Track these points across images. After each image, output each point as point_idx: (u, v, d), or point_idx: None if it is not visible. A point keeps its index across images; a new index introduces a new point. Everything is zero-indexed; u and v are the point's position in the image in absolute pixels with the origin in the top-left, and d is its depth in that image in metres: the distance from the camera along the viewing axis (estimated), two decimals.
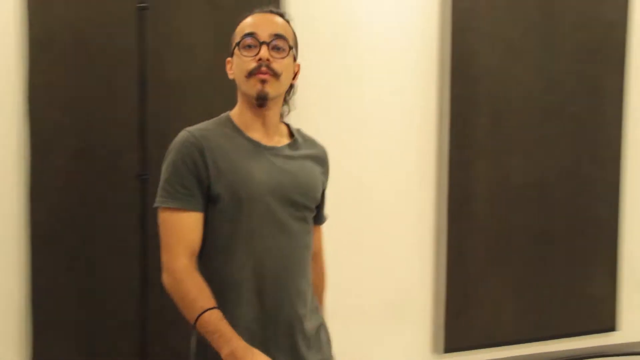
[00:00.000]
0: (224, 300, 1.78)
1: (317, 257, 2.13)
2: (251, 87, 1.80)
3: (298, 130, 2.01)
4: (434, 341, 3.91)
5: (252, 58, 1.80)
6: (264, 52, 1.79)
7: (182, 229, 1.78)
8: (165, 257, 1.79)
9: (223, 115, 1.94)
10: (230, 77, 1.90)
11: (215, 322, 1.70)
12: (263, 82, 1.79)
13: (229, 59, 1.90)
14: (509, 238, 3.96)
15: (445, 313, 3.85)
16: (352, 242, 3.67)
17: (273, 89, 1.82)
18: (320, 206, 2.05)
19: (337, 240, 3.58)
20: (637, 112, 4.19)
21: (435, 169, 3.84)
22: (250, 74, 1.80)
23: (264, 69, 1.79)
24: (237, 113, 1.91)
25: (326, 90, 3.57)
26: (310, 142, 2.03)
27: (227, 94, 2.10)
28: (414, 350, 3.89)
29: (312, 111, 3.38)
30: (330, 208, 2.35)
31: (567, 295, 4.06)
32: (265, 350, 1.75)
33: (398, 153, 3.77)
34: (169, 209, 1.79)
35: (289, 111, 2.03)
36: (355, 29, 3.61)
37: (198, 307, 1.71)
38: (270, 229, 1.82)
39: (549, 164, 3.96)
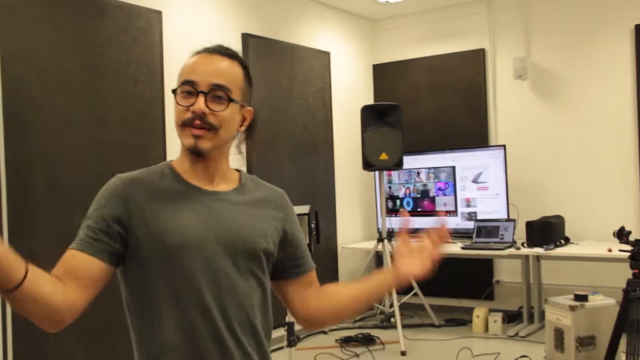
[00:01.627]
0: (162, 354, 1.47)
1: (324, 289, 1.73)
2: (185, 139, 1.51)
3: (252, 178, 1.67)
4: None
5: (186, 108, 1.48)
6: (199, 104, 1.47)
7: (70, 262, 1.43)
8: None
9: (163, 163, 1.61)
10: None
11: None
12: (197, 137, 1.48)
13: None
14: None
15: None
16: None
17: (209, 144, 1.50)
18: (299, 255, 1.68)
19: None
20: None
21: None
22: (184, 124, 1.49)
23: (197, 122, 1.47)
24: (179, 158, 1.59)
25: None
26: (263, 186, 1.68)
27: None
28: None
29: None
30: None
31: None
32: None
33: None
34: (71, 249, 1.46)
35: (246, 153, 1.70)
36: None
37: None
38: (206, 283, 1.47)
39: None
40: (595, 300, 4.04)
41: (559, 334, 4.02)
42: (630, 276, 3.73)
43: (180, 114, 1.49)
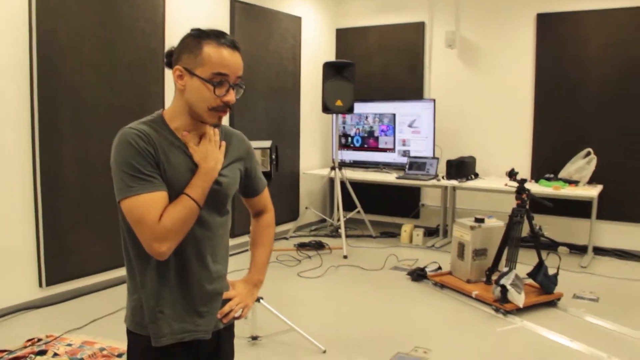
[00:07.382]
0: (151, 277, 1.51)
1: (262, 214, 1.83)
2: (212, 119, 1.51)
3: (221, 129, 1.65)
4: (39, 278, 3.83)
5: (218, 98, 1.48)
6: (232, 97, 1.50)
7: (152, 201, 1.41)
8: (146, 232, 1.41)
9: (156, 114, 1.56)
10: (180, 88, 1.51)
11: (194, 188, 1.47)
12: (220, 117, 1.52)
13: (180, 68, 1.49)
14: (89, 201, 4.06)
15: (45, 256, 3.81)
16: None
17: (222, 119, 1.56)
18: (251, 183, 1.74)
19: None
20: None
21: (30, 151, 3.71)
22: (213, 109, 1.49)
23: (226, 108, 1.51)
24: (173, 116, 1.54)
25: None
26: (228, 135, 1.66)
27: None
28: (25, 287, 3.76)
29: None
30: None
31: None
32: (187, 315, 1.55)
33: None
34: (136, 195, 1.41)
35: None
36: None
37: (189, 200, 1.45)
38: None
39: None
40: (489, 222, 4.26)
41: (461, 247, 4.27)
42: (515, 205, 4.14)
43: (212, 100, 1.47)
